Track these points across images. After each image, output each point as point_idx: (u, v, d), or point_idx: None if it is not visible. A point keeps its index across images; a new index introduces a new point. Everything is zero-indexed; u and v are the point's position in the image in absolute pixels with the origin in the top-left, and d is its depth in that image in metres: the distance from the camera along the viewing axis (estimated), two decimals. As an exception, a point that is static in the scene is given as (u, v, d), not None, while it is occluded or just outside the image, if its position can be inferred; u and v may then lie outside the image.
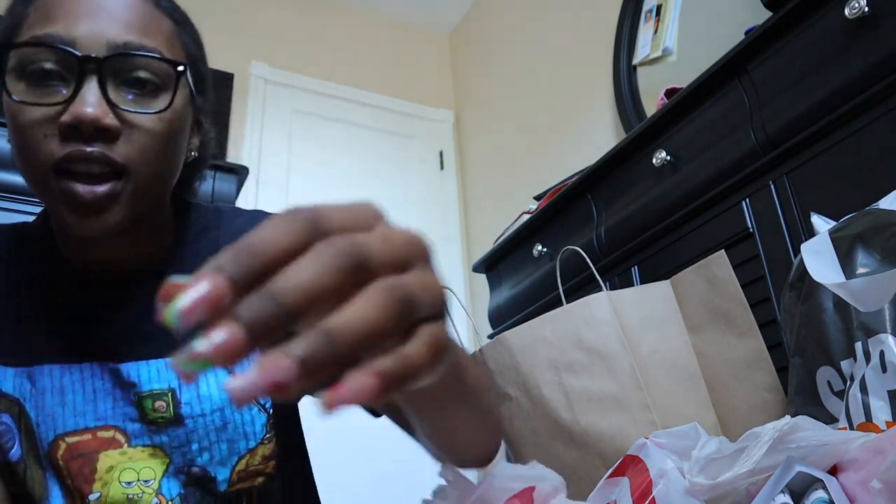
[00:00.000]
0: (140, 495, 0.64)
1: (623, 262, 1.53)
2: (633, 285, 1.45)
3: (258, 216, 0.73)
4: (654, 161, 1.41)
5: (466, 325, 2.69)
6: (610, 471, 0.70)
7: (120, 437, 0.64)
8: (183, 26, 0.64)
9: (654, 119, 1.43)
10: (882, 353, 0.62)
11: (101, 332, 0.64)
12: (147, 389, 0.65)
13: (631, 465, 0.66)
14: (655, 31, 1.98)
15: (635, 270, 1.48)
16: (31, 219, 0.72)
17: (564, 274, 1.59)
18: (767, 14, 1.20)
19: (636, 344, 0.96)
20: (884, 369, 0.61)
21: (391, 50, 3.28)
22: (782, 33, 1.15)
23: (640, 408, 0.92)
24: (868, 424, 0.59)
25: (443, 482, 0.59)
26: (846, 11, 1.02)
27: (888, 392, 0.60)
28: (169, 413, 0.65)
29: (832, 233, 0.74)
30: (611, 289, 1.22)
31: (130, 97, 0.57)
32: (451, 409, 0.44)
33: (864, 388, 0.62)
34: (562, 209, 1.76)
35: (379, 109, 3.09)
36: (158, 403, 0.64)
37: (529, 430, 0.99)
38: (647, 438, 0.66)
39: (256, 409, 0.68)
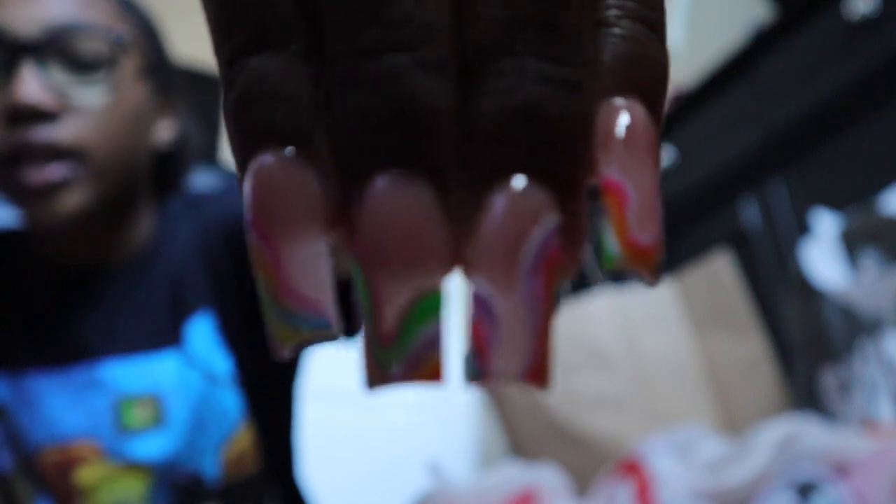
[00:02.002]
0: None
1: (623, 262, 1.53)
2: (632, 285, 1.45)
3: (230, 190, 0.69)
4: (654, 160, 1.41)
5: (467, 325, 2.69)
6: (610, 471, 0.69)
7: (97, 450, 0.60)
8: (128, 7, 0.60)
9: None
10: (884, 353, 0.62)
11: (77, 330, 0.60)
12: (124, 394, 0.61)
13: (631, 466, 0.65)
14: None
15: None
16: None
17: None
18: (771, 13, 1.20)
19: (636, 344, 0.96)
20: (886, 369, 0.60)
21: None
22: (786, 32, 1.15)
23: (640, 408, 0.92)
24: (870, 424, 0.59)
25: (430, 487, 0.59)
26: (851, 11, 1.02)
27: (891, 392, 0.59)
28: (151, 417, 0.62)
29: (834, 232, 0.74)
30: (612, 288, 1.22)
31: (73, 78, 0.53)
32: None
33: (866, 388, 0.62)
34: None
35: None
36: (139, 407, 0.61)
37: (529, 431, 0.99)
38: (647, 439, 0.65)
39: (231, 391, 0.64)
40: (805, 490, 0.48)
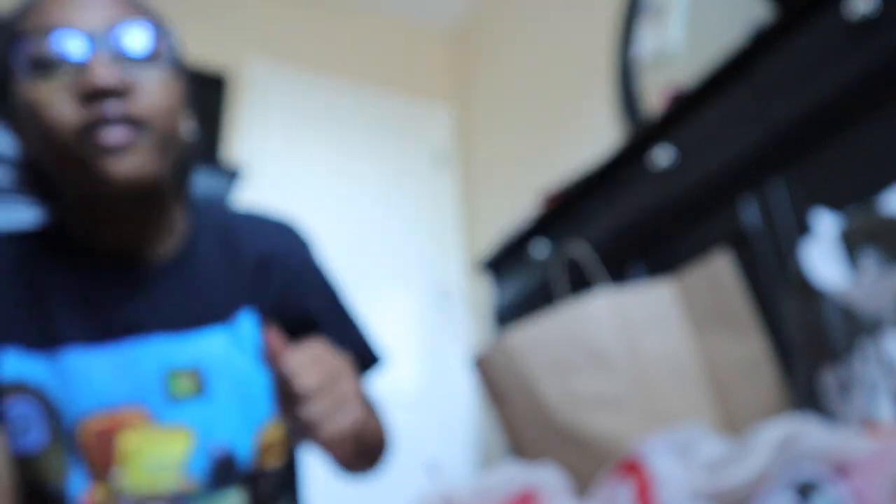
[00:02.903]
0: (162, 476, 0.67)
1: (624, 262, 1.52)
2: (633, 285, 1.45)
3: (280, 229, 0.81)
4: (655, 161, 1.41)
5: (467, 325, 2.68)
6: (610, 471, 0.69)
7: (145, 415, 0.68)
8: (159, 19, 0.71)
9: (656, 118, 1.42)
10: (885, 353, 0.62)
11: (123, 310, 0.69)
12: (172, 365, 0.69)
13: (632, 466, 0.65)
14: (657, 31, 1.98)
15: (636, 270, 1.48)
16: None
17: (566, 274, 1.59)
18: (770, 13, 1.20)
19: (636, 344, 0.96)
20: (887, 369, 0.60)
21: (391, 48, 3.28)
22: (786, 33, 1.15)
23: (640, 408, 0.92)
24: (871, 424, 0.59)
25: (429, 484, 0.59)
26: (851, 11, 1.02)
27: (891, 392, 0.59)
28: (194, 386, 0.69)
29: (834, 232, 0.74)
30: (611, 289, 1.22)
31: (132, 65, 0.65)
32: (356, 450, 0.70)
33: (866, 389, 0.62)
34: (563, 209, 1.76)
35: (379, 108, 3.09)
36: (183, 377, 0.69)
37: (530, 431, 0.99)
38: (647, 439, 0.65)
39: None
40: (805, 490, 0.48)
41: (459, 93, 3.33)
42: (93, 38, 0.63)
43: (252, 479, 0.71)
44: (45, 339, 0.67)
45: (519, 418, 0.99)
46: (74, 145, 0.62)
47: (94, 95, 0.62)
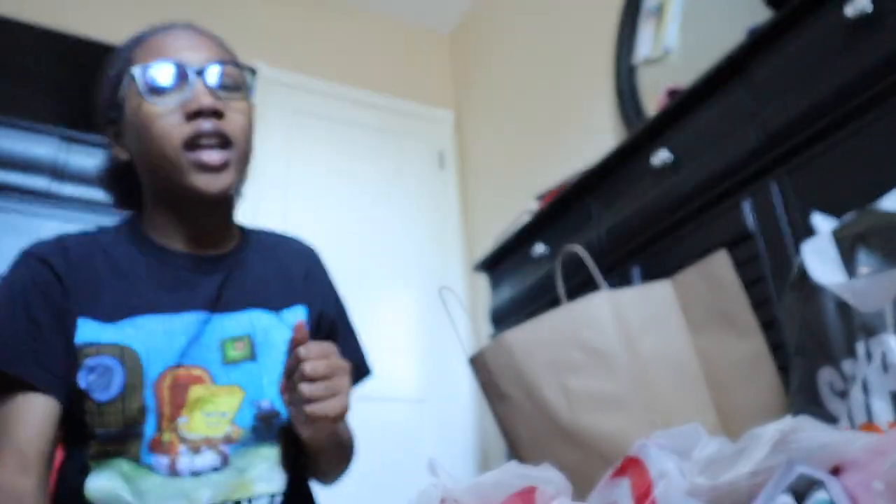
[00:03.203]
0: (217, 424, 0.81)
1: (623, 262, 1.52)
2: (633, 285, 1.45)
3: (312, 251, 1.02)
4: (654, 161, 1.41)
5: (467, 325, 2.69)
6: (610, 471, 0.70)
7: (206, 375, 0.83)
8: (237, 58, 0.91)
9: (654, 119, 1.43)
10: (883, 354, 0.62)
11: (196, 291, 0.85)
12: (229, 336, 0.85)
13: (631, 466, 0.65)
14: (656, 31, 1.98)
15: (635, 270, 1.48)
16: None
17: (565, 274, 1.59)
18: (769, 13, 1.20)
19: (636, 344, 0.96)
20: (885, 370, 0.60)
21: (391, 49, 3.28)
22: (784, 33, 1.15)
23: (640, 408, 0.92)
24: (869, 425, 0.59)
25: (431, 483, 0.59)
26: (848, 11, 1.02)
27: (889, 392, 0.59)
28: (246, 352, 0.85)
29: (833, 233, 0.74)
30: (611, 289, 1.22)
31: (222, 90, 0.84)
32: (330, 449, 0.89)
33: (865, 389, 0.62)
34: (562, 209, 1.76)
35: (379, 109, 3.09)
36: (238, 344, 0.85)
37: (529, 431, 0.99)
38: (647, 439, 0.65)
39: None
40: (803, 490, 0.48)
41: (460, 94, 3.33)
42: (197, 72, 0.82)
43: (287, 435, 0.86)
44: (122, 310, 0.81)
45: (518, 418, 0.99)
46: (177, 156, 0.80)
47: (196, 114, 0.80)
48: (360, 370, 0.97)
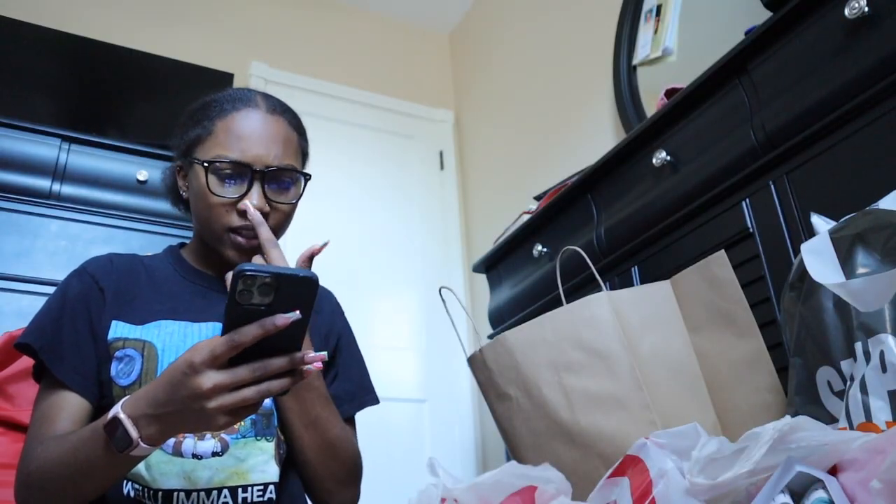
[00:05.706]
0: None
1: (623, 262, 1.53)
2: (633, 285, 1.45)
3: (324, 290, 1.14)
4: (653, 161, 1.41)
5: (466, 325, 2.69)
6: (610, 471, 0.70)
7: None
8: (301, 134, 1.04)
9: (654, 119, 1.43)
10: (882, 354, 0.62)
11: (217, 308, 0.97)
12: None
13: (631, 466, 0.66)
14: (655, 31, 1.98)
15: (635, 270, 1.49)
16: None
17: (564, 274, 1.59)
18: (767, 14, 1.20)
19: (636, 344, 0.97)
20: (884, 369, 0.61)
21: (391, 50, 3.28)
22: (782, 33, 1.15)
23: (640, 408, 0.92)
24: (868, 425, 0.59)
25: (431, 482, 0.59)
26: (846, 11, 1.02)
27: (888, 392, 0.60)
28: None
29: (832, 233, 0.74)
30: (611, 289, 1.22)
31: (275, 191, 0.95)
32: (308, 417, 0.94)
33: (863, 389, 0.62)
34: (562, 209, 1.77)
35: (379, 109, 3.09)
36: None
37: (529, 430, 0.99)
38: (647, 438, 0.66)
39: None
40: (802, 489, 0.48)
41: (460, 94, 3.33)
42: (257, 172, 0.93)
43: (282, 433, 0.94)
44: (150, 316, 0.94)
45: (518, 417, 0.99)
46: (221, 235, 0.94)
47: (244, 212, 0.92)
48: (364, 399, 1.08)
